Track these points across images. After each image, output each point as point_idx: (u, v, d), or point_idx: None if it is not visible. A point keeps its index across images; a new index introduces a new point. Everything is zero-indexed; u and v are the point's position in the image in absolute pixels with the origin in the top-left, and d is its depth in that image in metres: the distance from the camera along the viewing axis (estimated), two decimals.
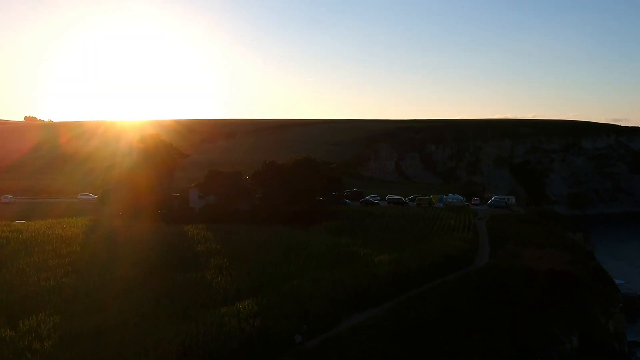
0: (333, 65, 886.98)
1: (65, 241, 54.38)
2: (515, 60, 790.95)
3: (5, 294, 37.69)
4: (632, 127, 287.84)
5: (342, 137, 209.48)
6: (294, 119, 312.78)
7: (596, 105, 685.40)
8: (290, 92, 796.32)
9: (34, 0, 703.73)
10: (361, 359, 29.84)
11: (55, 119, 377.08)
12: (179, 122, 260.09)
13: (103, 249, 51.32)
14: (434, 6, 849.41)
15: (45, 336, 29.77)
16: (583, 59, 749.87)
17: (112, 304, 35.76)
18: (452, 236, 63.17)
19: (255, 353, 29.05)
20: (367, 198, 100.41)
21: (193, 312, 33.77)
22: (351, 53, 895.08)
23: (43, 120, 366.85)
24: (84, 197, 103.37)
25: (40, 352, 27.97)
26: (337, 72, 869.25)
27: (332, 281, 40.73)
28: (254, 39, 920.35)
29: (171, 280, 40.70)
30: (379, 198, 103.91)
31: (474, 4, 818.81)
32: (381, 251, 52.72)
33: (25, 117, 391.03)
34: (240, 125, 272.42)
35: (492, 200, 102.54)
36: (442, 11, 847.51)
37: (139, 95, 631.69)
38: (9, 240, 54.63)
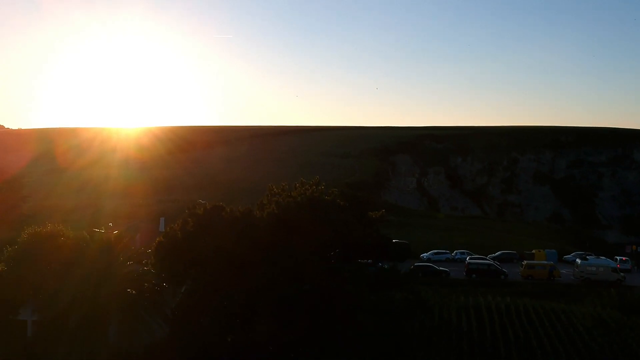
0: (338, 66, 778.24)
1: None
2: (554, 57, 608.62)
3: None
4: None
5: (350, 148, 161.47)
6: (290, 125, 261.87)
7: None
8: (290, 95, 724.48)
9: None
10: None
11: (25, 127, 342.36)
12: (171, 130, 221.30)
13: None
14: None
15: None
16: (632, 56, 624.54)
17: None
18: None
19: None
20: (425, 260, 52.45)
21: None
22: (357, 51, 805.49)
23: (11, 129, 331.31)
24: None
25: None
26: (343, 74, 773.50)
27: None
28: (252, 36, 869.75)
29: None
30: (449, 255, 56.69)
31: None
32: None
33: None
34: (233, 132, 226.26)
35: None
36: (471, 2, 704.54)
37: (126, 102, 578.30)
38: None
